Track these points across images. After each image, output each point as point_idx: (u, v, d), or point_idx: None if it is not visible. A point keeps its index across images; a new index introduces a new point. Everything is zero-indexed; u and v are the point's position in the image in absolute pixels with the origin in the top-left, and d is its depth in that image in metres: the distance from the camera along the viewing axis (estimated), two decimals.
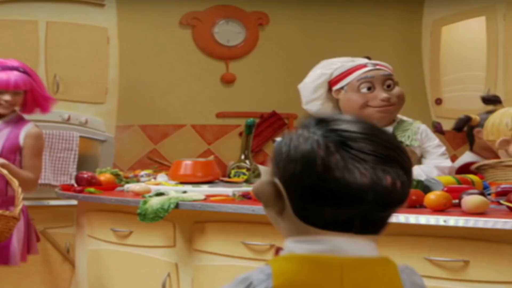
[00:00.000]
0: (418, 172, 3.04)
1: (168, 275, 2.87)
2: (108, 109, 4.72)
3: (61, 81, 4.55)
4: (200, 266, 2.80)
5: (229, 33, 5.46)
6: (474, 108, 4.85)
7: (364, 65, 3.17)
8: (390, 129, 3.23)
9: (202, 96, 5.45)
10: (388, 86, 3.13)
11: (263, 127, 5.53)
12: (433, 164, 3.14)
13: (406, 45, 5.55)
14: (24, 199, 4.45)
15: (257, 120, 5.43)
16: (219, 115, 5.50)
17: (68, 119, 4.53)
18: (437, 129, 4.46)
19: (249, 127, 3.24)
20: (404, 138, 3.19)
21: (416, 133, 3.20)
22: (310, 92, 3.23)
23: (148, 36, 5.31)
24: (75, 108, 4.60)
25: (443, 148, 3.26)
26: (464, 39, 4.96)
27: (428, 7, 5.21)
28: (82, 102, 4.63)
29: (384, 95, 3.09)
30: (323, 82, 3.20)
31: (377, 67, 3.17)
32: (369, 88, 3.10)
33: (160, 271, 2.90)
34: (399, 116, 3.34)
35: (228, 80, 5.50)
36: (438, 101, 5.10)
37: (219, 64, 5.49)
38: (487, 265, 2.12)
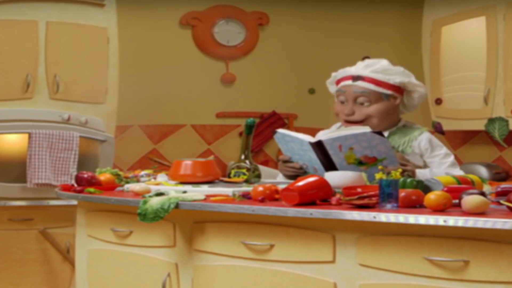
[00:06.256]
0: (425, 174, 3.03)
1: (168, 275, 2.88)
2: (108, 109, 4.72)
3: (61, 81, 4.55)
4: (200, 266, 2.80)
5: (229, 33, 5.46)
6: (474, 108, 4.86)
7: (350, 77, 3.28)
8: (386, 133, 3.23)
9: (202, 96, 5.45)
10: (361, 103, 3.19)
11: (263, 127, 5.53)
12: (444, 172, 3.11)
13: (406, 45, 5.55)
14: (24, 199, 4.50)
15: (257, 120, 5.44)
16: (219, 115, 5.50)
17: (68, 119, 4.53)
18: (437, 129, 4.47)
19: (249, 127, 3.24)
20: (398, 143, 3.19)
21: (414, 141, 3.19)
22: (329, 88, 3.50)
23: (148, 36, 5.31)
24: (75, 108, 4.60)
25: (451, 158, 3.21)
26: (464, 39, 4.96)
27: (428, 7, 5.21)
28: (82, 102, 4.63)
29: (346, 111, 3.25)
30: (331, 81, 3.44)
31: (358, 82, 3.24)
32: (342, 101, 3.30)
33: (160, 271, 2.90)
34: (405, 121, 3.33)
35: (228, 80, 5.50)
36: (438, 101, 5.10)
37: (219, 64, 5.50)
38: (487, 265, 2.12)
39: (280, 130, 3.14)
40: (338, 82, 3.35)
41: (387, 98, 3.22)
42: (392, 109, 3.24)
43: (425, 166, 3.21)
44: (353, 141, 2.89)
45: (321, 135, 3.44)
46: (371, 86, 3.21)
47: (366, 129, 2.90)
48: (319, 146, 2.96)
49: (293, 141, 3.08)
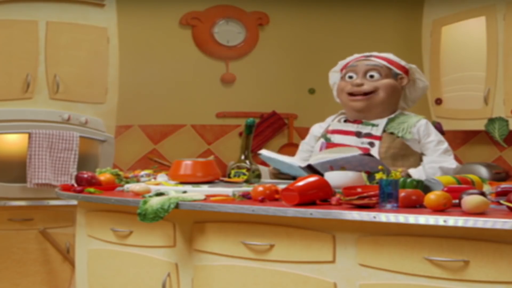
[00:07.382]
0: (420, 174, 3.04)
1: (168, 275, 2.88)
2: (108, 109, 4.72)
3: (61, 81, 4.55)
4: (200, 266, 2.80)
5: (229, 33, 5.46)
6: (474, 108, 4.86)
7: (362, 57, 3.36)
8: (384, 120, 3.25)
9: (202, 96, 5.45)
10: (371, 76, 3.22)
11: (263, 127, 5.53)
12: (438, 164, 3.14)
13: (406, 45, 5.55)
14: (24, 199, 4.50)
15: (257, 120, 5.44)
16: (219, 115, 5.50)
17: (68, 119, 4.53)
18: (437, 129, 4.45)
19: (249, 127, 3.24)
20: (398, 129, 3.21)
21: (413, 127, 3.23)
22: (330, 79, 3.51)
23: (148, 36, 5.31)
24: (75, 108, 4.60)
25: (445, 145, 3.26)
26: (464, 39, 4.96)
27: (428, 7, 5.21)
28: (82, 102, 4.63)
29: (357, 81, 3.25)
30: (337, 69, 3.47)
31: (371, 58, 3.31)
32: (350, 77, 3.31)
33: (160, 271, 2.90)
34: (401, 110, 3.37)
35: (228, 80, 5.50)
36: (438, 101, 5.10)
37: (219, 64, 5.50)
38: (487, 265, 2.12)
39: (264, 152, 3.15)
40: (343, 67, 3.41)
41: (396, 77, 3.30)
42: (397, 90, 3.32)
43: (421, 152, 3.27)
44: (344, 162, 2.92)
45: (316, 129, 3.44)
46: (384, 62, 3.30)
47: (356, 151, 2.92)
48: (310, 168, 2.99)
49: (280, 163, 3.11)
